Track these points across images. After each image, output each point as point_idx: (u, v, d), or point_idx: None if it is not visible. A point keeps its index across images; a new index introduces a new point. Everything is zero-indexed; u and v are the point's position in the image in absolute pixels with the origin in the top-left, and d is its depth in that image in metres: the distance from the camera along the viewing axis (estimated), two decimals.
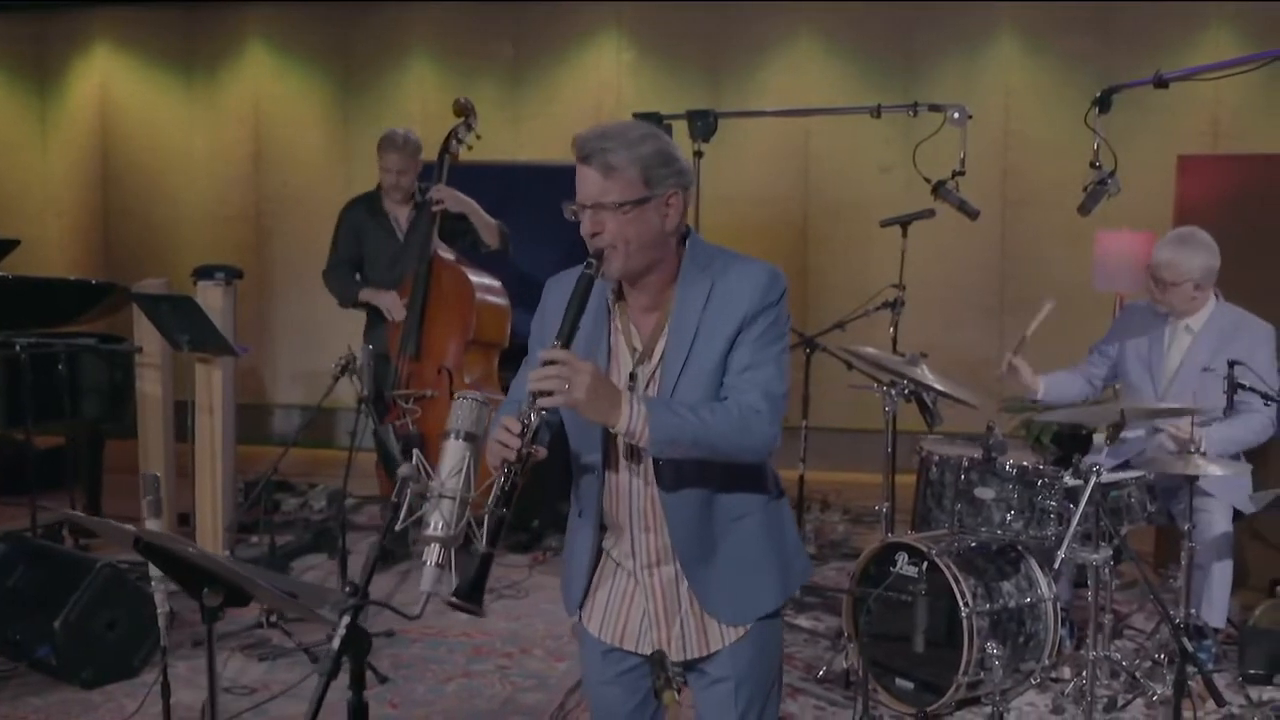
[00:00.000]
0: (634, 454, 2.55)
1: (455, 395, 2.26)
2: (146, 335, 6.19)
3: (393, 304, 6.00)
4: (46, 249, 9.58)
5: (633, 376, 2.57)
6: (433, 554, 2.15)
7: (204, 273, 6.11)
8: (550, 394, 2.33)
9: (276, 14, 9.47)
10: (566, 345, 2.40)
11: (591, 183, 2.46)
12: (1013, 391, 7.82)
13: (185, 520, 6.32)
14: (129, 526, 2.58)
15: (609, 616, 2.71)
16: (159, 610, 3.91)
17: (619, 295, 2.61)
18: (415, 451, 2.13)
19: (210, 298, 5.97)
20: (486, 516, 2.27)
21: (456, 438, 2.21)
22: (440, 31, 9.26)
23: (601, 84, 9.02)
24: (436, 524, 2.15)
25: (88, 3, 9.62)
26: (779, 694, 2.81)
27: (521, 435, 2.33)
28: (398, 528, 2.11)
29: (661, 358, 2.54)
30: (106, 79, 9.82)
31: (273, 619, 5.23)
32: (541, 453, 2.38)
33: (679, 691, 2.22)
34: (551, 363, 2.34)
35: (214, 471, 6.05)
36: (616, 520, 2.62)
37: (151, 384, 6.24)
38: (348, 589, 2.01)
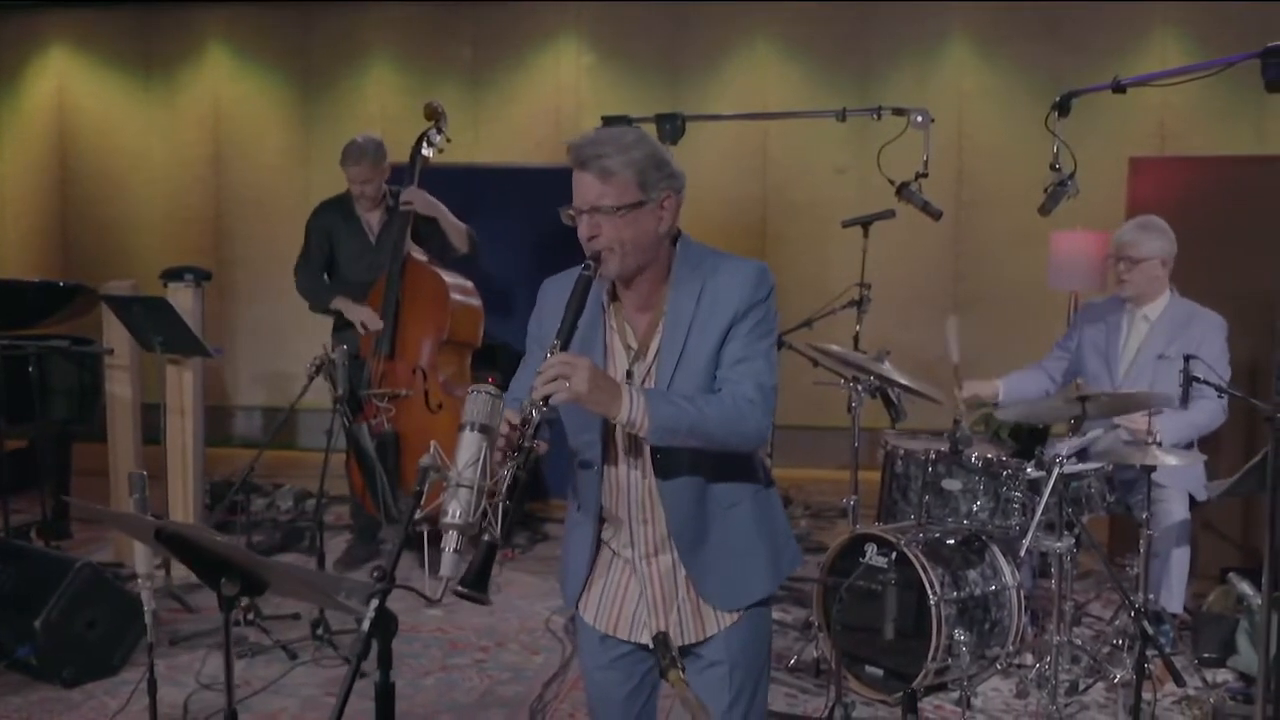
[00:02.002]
0: (632, 448, 2.66)
1: (470, 389, 2.34)
2: (116, 337, 6.19)
3: (368, 318, 6.02)
4: (3, 250, 9.54)
5: (629, 374, 2.67)
6: (451, 541, 2.24)
7: (173, 274, 6.12)
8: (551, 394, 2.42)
9: (235, 16, 9.47)
10: (565, 345, 2.49)
11: (589, 188, 2.55)
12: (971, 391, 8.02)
13: None
14: (149, 518, 2.64)
15: (604, 606, 2.81)
16: (146, 608, 3.98)
17: (613, 296, 2.71)
18: (433, 443, 2.22)
19: (181, 299, 5.98)
20: (478, 523, 2.36)
21: (472, 429, 2.29)
22: (399, 34, 9.30)
23: (561, 86, 9.11)
24: (455, 512, 2.24)
25: (44, 4, 9.57)
26: (769, 677, 2.94)
27: (523, 427, 2.42)
28: (418, 516, 2.20)
29: (657, 355, 2.65)
30: (64, 80, 9.79)
31: (249, 617, 5.28)
32: (543, 447, 2.45)
33: (684, 670, 2.31)
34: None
35: (185, 473, 6.08)
36: (616, 514, 2.72)
37: (121, 386, 6.24)
38: (375, 574, 2.10)
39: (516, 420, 2.42)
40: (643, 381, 2.65)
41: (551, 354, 2.45)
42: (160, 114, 9.65)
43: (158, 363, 5.89)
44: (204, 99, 9.57)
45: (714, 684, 2.76)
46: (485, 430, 2.30)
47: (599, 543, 2.79)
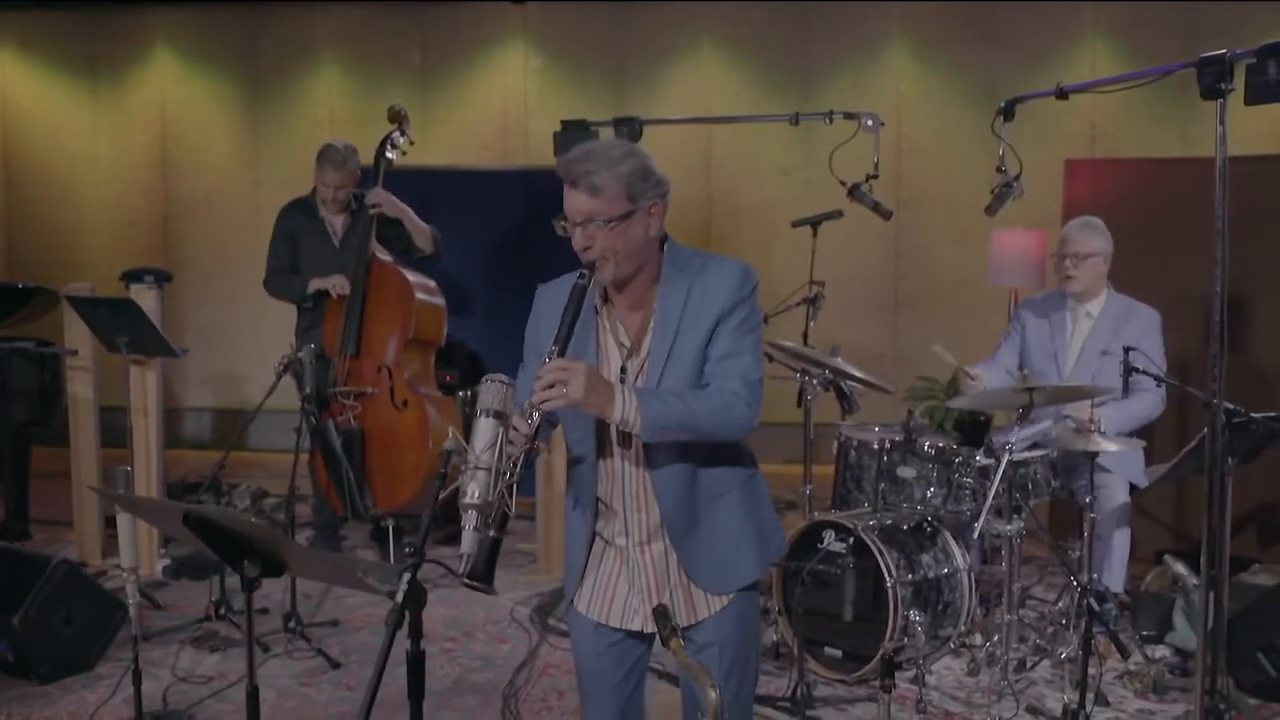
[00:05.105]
0: (626, 441, 2.81)
1: (484, 378, 2.50)
2: (78, 339, 6.23)
3: (338, 281, 6.08)
4: None
5: (623, 369, 2.83)
6: (470, 520, 2.40)
7: (134, 276, 6.18)
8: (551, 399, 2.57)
9: (183, 18, 9.47)
10: (563, 352, 2.63)
11: (580, 203, 2.71)
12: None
13: (112, 523, 6.36)
14: (176, 503, 2.76)
15: (595, 595, 2.96)
16: (130, 601, 4.09)
17: (605, 297, 2.87)
18: (451, 429, 2.37)
19: (143, 300, 6.04)
20: (495, 504, 2.52)
21: (487, 416, 2.46)
22: (348, 37, 9.37)
23: (509, 89, 9.23)
24: (474, 493, 2.41)
25: None
26: (758, 658, 3.12)
27: (528, 431, 2.56)
28: (440, 497, 2.35)
29: (648, 352, 2.80)
30: (8, 83, 9.74)
31: (221, 611, 5.37)
32: (543, 448, 2.62)
33: (684, 640, 2.48)
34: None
35: (150, 473, 6.13)
36: (610, 504, 2.88)
37: (83, 388, 6.28)
38: (408, 549, 2.25)
39: (522, 426, 2.57)
40: (636, 376, 2.80)
41: (549, 359, 2.60)
42: (107, 116, 9.63)
43: (120, 364, 5.93)
44: (151, 101, 9.57)
45: (707, 663, 2.91)
46: (500, 417, 2.46)
47: (593, 534, 2.94)
